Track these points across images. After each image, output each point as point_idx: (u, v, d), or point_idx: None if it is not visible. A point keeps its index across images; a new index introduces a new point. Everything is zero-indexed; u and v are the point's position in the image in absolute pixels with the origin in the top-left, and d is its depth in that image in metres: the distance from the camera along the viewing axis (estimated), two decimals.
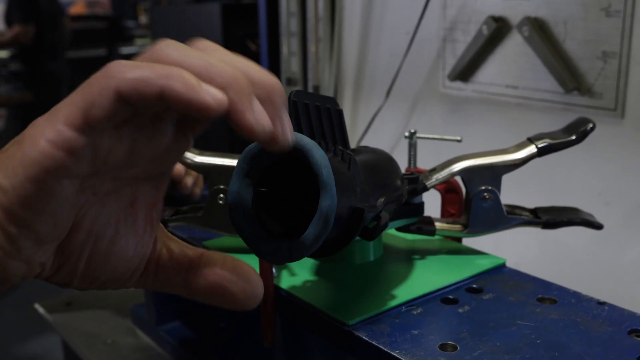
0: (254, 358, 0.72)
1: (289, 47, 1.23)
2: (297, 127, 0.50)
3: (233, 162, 0.60)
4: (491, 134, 0.92)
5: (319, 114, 0.52)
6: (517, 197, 0.68)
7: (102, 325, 0.86)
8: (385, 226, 0.49)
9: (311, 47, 1.18)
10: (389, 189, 0.52)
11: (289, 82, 1.24)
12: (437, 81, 0.98)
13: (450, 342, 0.46)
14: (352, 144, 1.11)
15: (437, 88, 0.99)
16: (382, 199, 0.49)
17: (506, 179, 0.63)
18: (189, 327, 0.78)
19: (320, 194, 0.41)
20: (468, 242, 0.65)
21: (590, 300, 0.53)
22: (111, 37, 6.11)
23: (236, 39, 1.97)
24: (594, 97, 0.79)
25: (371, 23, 1.09)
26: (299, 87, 1.23)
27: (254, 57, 1.99)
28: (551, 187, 0.86)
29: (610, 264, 0.82)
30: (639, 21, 0.75)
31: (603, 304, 0.52)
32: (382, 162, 0.54)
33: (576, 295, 0.53)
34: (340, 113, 0.54)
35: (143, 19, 7.12)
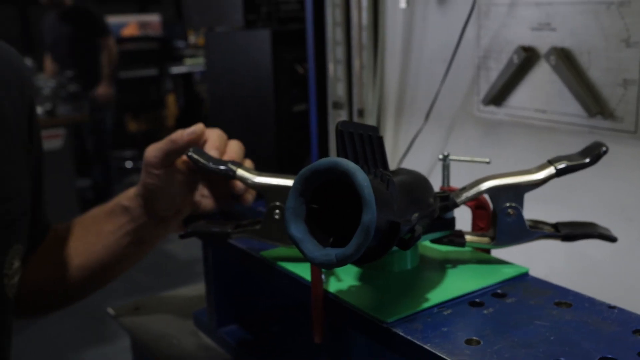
0: (302, 356, 0.79)
1: (335, 73, 1.31)
2: (343, 153, 0.58)
3: (286, 182, 0.68)
4: (522, 154, 0.98)
5: (362, 140, 0.60)
6: (547, 214, 0.74)
7: (168, 327, 0.94)
8: (418, 237, 0.56)
9: (356, 74, 1.25)
10: (423, 205, 0.59)
11: (335, 105, 1.31)
12: (472, 105, 1.05)
13: (474, 338, 0.53)
14: (394, 164, 1.19)
15: (472, 112, 1.05)
16: (416, 214, 0.56)
17: (538, 197, 0.69)
18: (245, 330, 0.85)
19: (362, 210, 0.48)
20: (499, 254, 0.71)
21: (602, 304, 0.59)
22: (162, 57, 6.28)
23: (285, 63, 2.06)
24: (615, 121, 0.84)
25: (411, 51, 1.16)
26: (344, 110, 1.31)
27: (302, 80, 2.08)
28: (578, 204, 0.91)
29: (632, 276, 0.87)
30: None
31: (613, 307, 0.58)
32: (416, 182, 0.61)
33: (590, 300, 0.59)
34: (380, 139, 0.62)
35: (192, 39, 7.29)
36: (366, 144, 0.60)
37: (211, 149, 0.74)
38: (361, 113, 1.26)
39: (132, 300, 1.02)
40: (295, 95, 2.07)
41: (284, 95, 2.05)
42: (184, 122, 6.42)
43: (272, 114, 2.04)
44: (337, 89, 1.31)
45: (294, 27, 2.06)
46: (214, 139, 0.76)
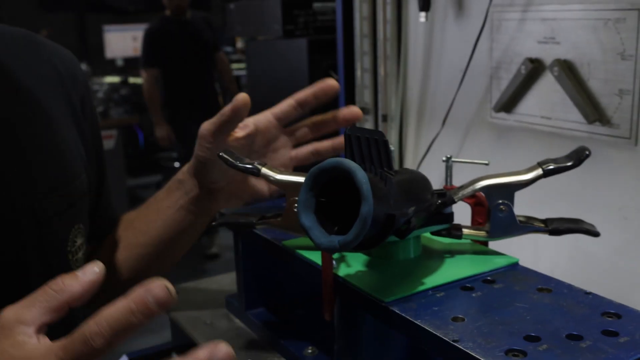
0: (320, 336, 0.86)
1: (362, 80, 1.38)
2: (350, 154, 0.65)
3: (303, 179, 0.75)
4: (529, 157, 1.02)
5: (368, 143, 0.66)
6: (550, 211, 0.79)
7: (202, 311, 1.02)
8: (413, 228, 0.63)
9: (381, 81, 1.32)
10: (420, 200, 0.65)
11: (362, 111, 1.38)
12: (485, 112, 1.11)
13: (460, 316, 0.59)
14: (414, 165, 1.25)
15: (485, 118, 1.11)
16: (413, 208, 0.63)
17: (543, 196, 0.74)
18: (272, 312, 0.93)
19: (361, 203, 0.55)
20: (507, 249, 0.76)
21: (579, 290, 0.64)
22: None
23: (321, 70, 2.14)
24: (612, 127, 0.90)
25: (431, 61, 1.22)
26: (370, 115, 1.37)
27: None
28: (579, 203, 0.96)
29: (627, 271, 0.91)
30: None
31: (589, 293, 0.63)
32: (415, 180, 0.68)
33: (569, 287, 0.65)
34: (385, 143, 0.68)
35: (240, 44, 7.41)
36: (372, 146, 0.66)
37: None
38: (385, 118, 1.33)
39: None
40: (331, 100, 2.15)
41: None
42: None
43: (308, 117, 2.11)
44: (364, 96, 1.38)
45: (329, 37, 2.14)
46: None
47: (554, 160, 0.70)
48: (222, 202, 0.89)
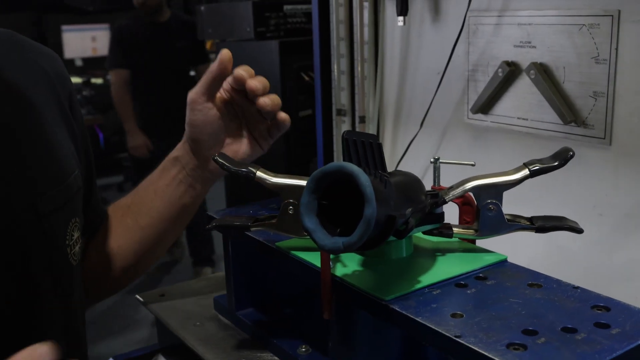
0: (309, 334, 0.87)
1: (339, 83, 1.39)
2: (348, 157, 0.67)
3: (298, 182, 0.76)
4: (506, 157, 1.06)
5: (363, 146, 0.68)
6: (529, 209, 0.82)
7: (191, 311, 1.02)
8: (411, 229, 0.64)
9: (358, 84, 1.34)
10: (415, 201, 0.67)
11: (339, 112, 1.40)
12: (462, 113, 1.13)
13: (458, 312, 0.61)
14: (392, 166, 1.27)
15: (462, 119, 1.13)
16: (410, 209, 0.64)
17: (522, 195, 0.76)
18: (261, 312, 0.94)
19: (364, 205, 0.57)
20: (487, 245, 0.79)
21: (567, 285, 0.67)
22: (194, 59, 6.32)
23: (292, 72, 2.15)
24: (587, 128, 0.93)
25: (408, 65, 1.24)
26: (347, 117, 1.39)
27: (308, 87, 2.16)
28: (556, 201, 0.99)
29: (602, 265, 0.95)
30: (620, 68, 0.88)
31: (577, 288, 0.66)
32: (410, 181, 0.69)
33: (558, 282, 0.67)
34: (379, 146, 0.70)
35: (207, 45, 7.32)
36: (367, 149, 0.68)
37: (240, 70, 0.83)
38: (362, 120, 1.34)
39: (158, 288, 1.10)
40: (301, 102, 2.16)
41: (291, 101, 2.13)
42: None
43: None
44: (341, 98, 1.39)
45: (300, 38, 2.15)
46: (244, 74, 0.83)
47: (540, 161, 0.72)
48: (214, 170, 0.90)
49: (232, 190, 2.45)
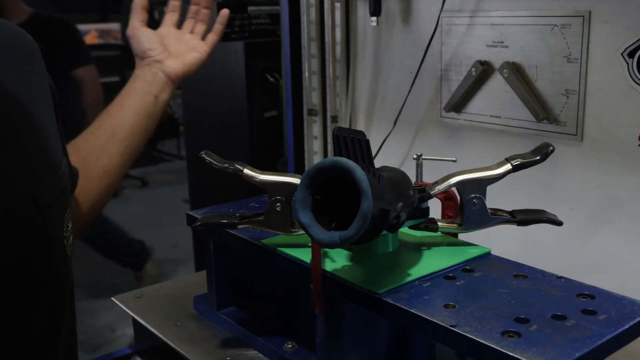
0: (292, 329, 0.87)
1: (310, 83, 1.40)
2: (339, 153, 0.67)
3: (285, 179, 0.76)
4: (479, 154, 1.08)
5: (352, 142, 0.69)
6: (504, 203, 0.84)
7: (169, 312, 1.01)
8: (403, 222, 0.65)
9: (330, 84, 1.34)
10: (405, 196, 0.68)
11: (310, 112, 1.40)
12: (435, 112, 1.15)
13: (450, 303, 0.62)
14: None
15: (435, 117, 1.15)
16: (401, 204, 0.65)
17: (497, 190, 0.79)
18: (243, 311, 0.94)
19: (361, 199, 0.57)
20: (465, 238, 0.81)
21: (551, 275, 0.69)
22: (123, 64, 6.24)
23: (257, 73, 2.15)
24: (559, 125, 0.96)
25: (380, 64, 1.25)
26: (318, 117, 1.40)
27: (272, 88, 2.17)
28: (530, 195, 1.02)
29: (574, 257, 0.98)
30: (591, 66, 0.91)
31: (561, 277, 0.68)
32: (399, 177, 0.71)
33: (542, 272, 0.69)
34: (367, 142, 0.71)
35: None
36: (356, 145, 0.69)
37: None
38: (335, 119, 1.35)
39: (136, 290, 1.09)
40: (266, 103, 2.16)
41: (256, 102, 2.13)
42: None
43: (245, 120, 2.12)
44: (312, 97, 1.40)
45: (265, 40, 2.15)
46: None
47: (521, 156, 0.74)
48: (172, 67, 1.03)
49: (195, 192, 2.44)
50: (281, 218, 0.76)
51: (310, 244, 0.76)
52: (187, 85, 2.31)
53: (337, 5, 1.28)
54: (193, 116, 2.36)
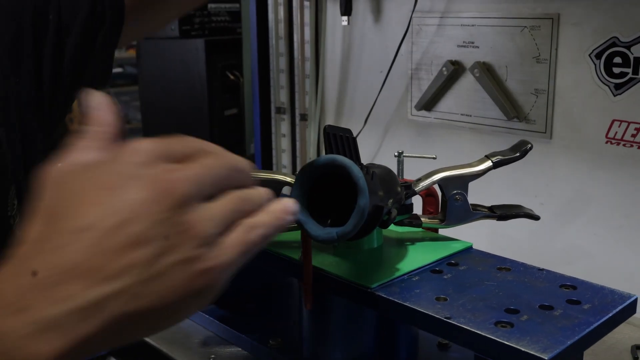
0: (280, 326, 0.88)
1: (277, 81, 1.40)
2: (330, 150, 0.68)
3: (274, 177, 0.77)
4: (450, 151, 1.11)
5: (341, 140, 0.70)
6: (478, 199, 0.87)
7: None
8: (394, 218, 0.67)
9: (299, 82, 1.35)
10: (394, 193, 0.70)
11: (279, 110, 1.41)
12: (405, 110, 1.17)
13: (442, 296, 0.64)
14: None
15: (405, 116, 1.17)
16: (391, 200, 0.67)
17: (471, 186, 0.81)
18: (223, 309, 0.94)
19: (357, 196, 0.59)
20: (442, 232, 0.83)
21: (533, 267, 0.71)
22: None
23: (217, 70, 2.14)
24: (529, 123, 0.99)
25: (350, 63, 1.27)
26: (287, 115, 1.40)
27: (233, 85, 2.16)
28: (501, 191, 1.04)
29: (544, 250, 1.01)
30: (560, 67, 0.95)
31: (542, 270, 0.71)
32: (387, 174, 0.72)
33: (523, 265, 0.72)
34: (354, 140, 0.72)
35: None
36: (345, 143, 0.70)
37: None
38: (304, 117, 1.36)
39: None
40: (226, 100, 2.16)
41: (216, 100, 2.12)
42: None
43: (205, 117, 2.11)
44: (280, 96, 1.40)
45: (225, 37, 2.15)
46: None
47: (501, 153, 0.77)
48: None
49: None
50: None
51: (297, 241, 0.78)
52: (144, 83, 2.28)
53: (307, 4, 1.29)
54: (149, 114, 2.33)
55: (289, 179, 0.77)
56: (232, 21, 2.20)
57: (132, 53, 7.77)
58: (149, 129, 2.34)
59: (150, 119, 2.31)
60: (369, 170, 0.65)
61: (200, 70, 2.07)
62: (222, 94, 2.13)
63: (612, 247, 0.96)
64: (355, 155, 0.71)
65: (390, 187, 0.70)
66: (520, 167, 1.00)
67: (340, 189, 0.62)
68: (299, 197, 0.62)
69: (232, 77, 2.12)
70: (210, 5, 2.13)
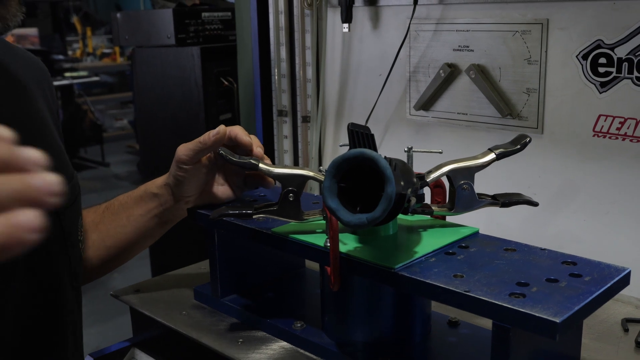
0: (291, 312, 0.94)
1: (279, 86, 1.46)
2: (353, 145, 0.75)
3: (297, 172, 0.83)
4: (447, 148, 1.17)
5: (362, 137, 0.76)
6: (478, 190, 0.93)
7: (171, 303, 1.04)
8: (413, 206, 0.74)
9: (300, 86, 1.42)
10: (411, 183, 0.77)
11: (281, 113, 1.47)
12: (405, 110, 1.24)
13: (459, 274, 0.71)
14: None
15: (404, 116, 1.24)
16: (410, 189, 0.74)
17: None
18: (245, 297, 0.99)
19: (385, 184, 0.65)
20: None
21: (535, 248, 0.78)
22: None
23: (212, 77, 2.19)
24: (522, 120, 1.06)
25: (349, 67, 1.34)
26: (288, 117, 1.46)
27: (227, 91, 2.21)
28: (497, 182, 1.12)
29: (537, 237, 1.09)
30: (549, 68, 1.03)
31: (544, 249, 0.78)
32: (405, 166, 0.79)
33: (527, 246, 0.79)
34: (372, 136, 0.79)
35: (70, 52, 7.15)
36: (365, 139, 0.77)
37: (244, 136, 0.89)
38: (305, 119, 1.43)
39: (131, 284, 1.12)
40: (221, 106, 2.21)
41: (211, 105, 2.17)
42: (66, 132, 6.23)
43: (201, 122, 2.16)
44: (282, 100, 1.46)
45: (218, 45, 2.20)
46: (242, 133, 0.89)
47: (502, 146, 0.84)
48: (185, 209, 0.96)
49: None
50: (293, 207, 0.83)
51: (319, 230, 0.84)
52: (140, 90, 2.32)
53: (307, 12, 1.35)
54: (145, 120, 2.37)
55: (312, 174, 0.83)
56: (225, 29, 2.26)
57: (106, 62, 7.65)
58: (146, 135, 2.37)
59: (145, 123, 2.35)
60: (392, 162, 0.71)
61: (197, 77, 2.12)
62: (217, 99, 2.18)
63: (600, 232, 1.03)
64: (374, 149, 0.77)
65: (409, 177, 0.76)
66: (515, 161, 1.08)
67: (364, 180, 0.68)
68: (331, 187, 0.68)
69: (225, 83, 2.17)
70: (204, 14, 2.18)
